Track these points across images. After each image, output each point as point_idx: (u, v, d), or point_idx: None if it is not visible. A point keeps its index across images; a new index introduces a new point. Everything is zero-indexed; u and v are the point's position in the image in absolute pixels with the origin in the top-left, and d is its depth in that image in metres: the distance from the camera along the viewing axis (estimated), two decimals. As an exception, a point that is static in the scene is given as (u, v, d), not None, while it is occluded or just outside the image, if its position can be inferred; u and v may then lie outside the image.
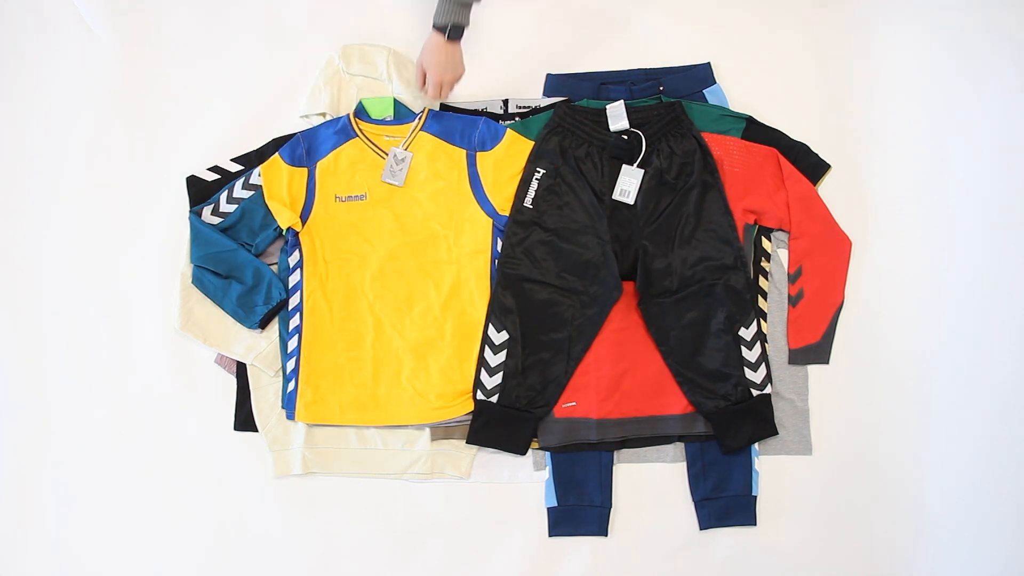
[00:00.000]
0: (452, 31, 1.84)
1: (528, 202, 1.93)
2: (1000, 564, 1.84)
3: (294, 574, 1.92)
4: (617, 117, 1.95)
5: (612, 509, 1.89)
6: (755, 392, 1.85)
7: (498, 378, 1.88)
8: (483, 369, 1.88)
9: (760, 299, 1.94)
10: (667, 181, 1.92)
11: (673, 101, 1.96)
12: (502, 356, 1.88)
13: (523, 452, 1.89)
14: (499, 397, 1.87)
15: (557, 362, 1.88)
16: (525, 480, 1.92)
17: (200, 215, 1.97)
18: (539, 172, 1.94)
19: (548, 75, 2.09)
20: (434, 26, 1.85)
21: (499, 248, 1.94)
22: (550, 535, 1.90)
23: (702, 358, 1.87)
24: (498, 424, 1.87)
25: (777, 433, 1.87)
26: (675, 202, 1.91)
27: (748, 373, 1.86)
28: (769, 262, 1.96)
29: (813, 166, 1.99)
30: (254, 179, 1.97)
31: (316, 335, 1.93)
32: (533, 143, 1.97)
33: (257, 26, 2.17)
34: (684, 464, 1.90)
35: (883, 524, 1.88)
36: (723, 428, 1.85)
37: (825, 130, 2.03)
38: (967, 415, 1.90)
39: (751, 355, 1.86)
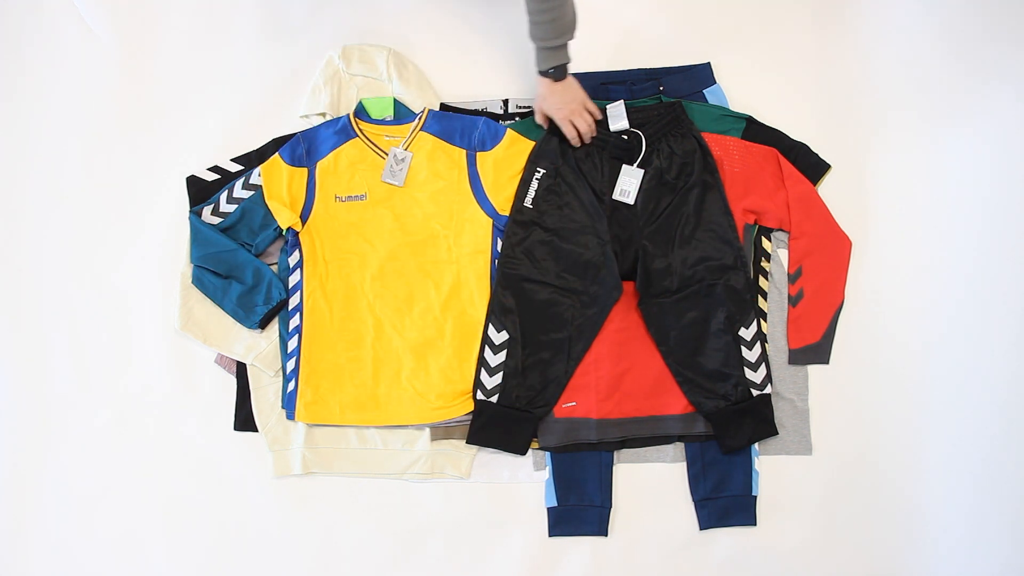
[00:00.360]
0: (557, 72, 1.83)
1: (528, 202, 1.93)
2: (999, 564, 1.84)
3: (294, 574, 1.92)
4: (617, 117, 1.95)
5: (612, 509, 1.89)
6: (755, 392, 1.85)
7: (498, 378, 1.88)
8: (483, 369, 1.88)
9: (760, 299, 1.94)
10: (667, 181, 1.92)
11: (673, 101, 1.96)
12: (502, 356, 1.88)
13: (523, 452, 1.89)
14: (499, 397, 1.87)
15: (557, 362, 1.88)
16: (525, 480, 1.92)
17: (200, 215, 1.97)
18: (539, 172, 1.94)
19: (548, 75, 2.09)
20: (539, 73, 1.84)
21: (499, 248, 1.94)
22: (550, 535, 1.90)
23: (702, 358, 1.87)
24: (498, 424, 1.87)
25: (777, 433, 1.87)
26: (675, 202, 1.91)
27: (748, 373, 1.86)
28: (769, 262, 1.96)
29: (813, 166, 1.99)
30: (254, 179, 1.97)
31: (316, 335, 1.93)
32: (533, 143, 1.97)
33: (257, 26, 2.17)
34: (684, 464, 1.90)
35: (883, 524, 1.88)
36: (723, 428, 1.85)
37: (825, 130, 2.03)
38: (967, 415, 1.90)
39: (751, 355, 1.86)
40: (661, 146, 1.94)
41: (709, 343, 1.87)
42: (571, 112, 1.88)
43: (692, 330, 1.87)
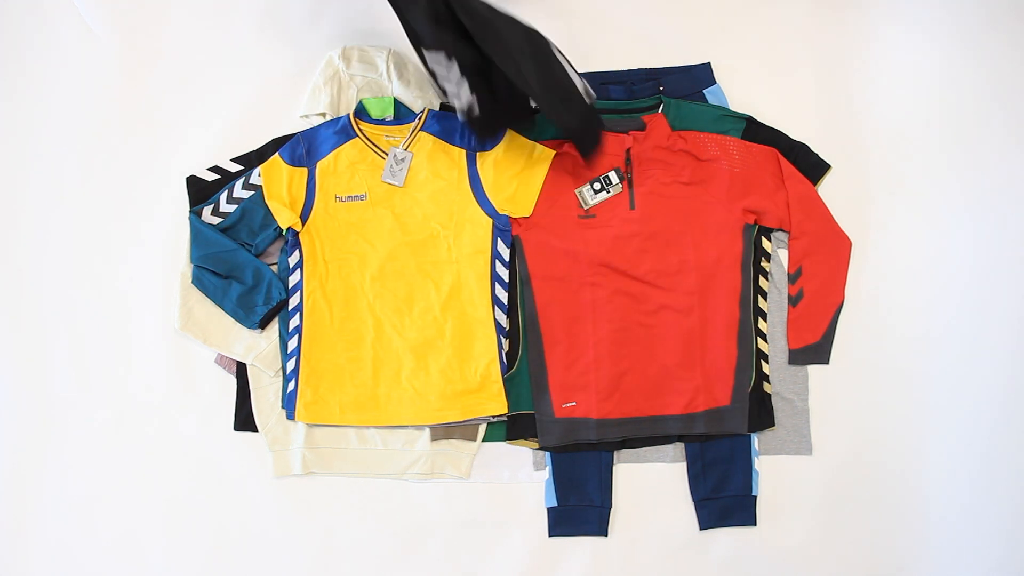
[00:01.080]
0: None
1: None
2: (998, 562, 1.85)
3: (294, 574, 1.92)
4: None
5: (612, 509, 1.89)
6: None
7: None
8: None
9: (760, 299, 1.94)
10: None
11: None
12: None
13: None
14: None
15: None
16: (525, 480, 1.92)
17: (200, 215, 1.97)
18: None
19: (548, 75, 2.09)
20: None
21: (499, 249, 1.94)
22: (550, 535, 1.90)
23: None
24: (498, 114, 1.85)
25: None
26: None
27: None
28: (769, 262, 1.96)
29: (813, 166, 1.99)
30: (254, 179, 1.97)
31: (316, 335, 1.93)
32: (533, 142, 1.96)
33: (257, 26, 2.17)
34: (684, 464, 1.90)
35: (883, 524, 1.88)
36: None
37: (825, 130, 2.03)
38: (966, 415, 1.90)
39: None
40: None
41: None
42: None
43: None
